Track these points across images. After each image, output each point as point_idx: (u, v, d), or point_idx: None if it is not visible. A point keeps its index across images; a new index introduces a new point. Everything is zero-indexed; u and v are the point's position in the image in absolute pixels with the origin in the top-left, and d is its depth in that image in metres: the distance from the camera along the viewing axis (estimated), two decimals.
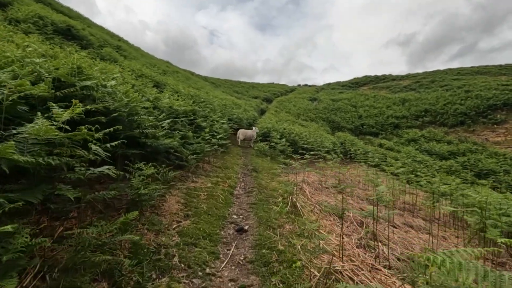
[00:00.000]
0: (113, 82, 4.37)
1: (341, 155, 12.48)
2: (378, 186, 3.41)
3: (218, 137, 7.05)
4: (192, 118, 7.74)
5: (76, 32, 14.41)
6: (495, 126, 22.95)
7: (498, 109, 24.15)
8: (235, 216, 3.95)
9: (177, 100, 8.90)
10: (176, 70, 25.80)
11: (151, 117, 4.52)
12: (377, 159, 8.11)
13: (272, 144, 10.24)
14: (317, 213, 5.01)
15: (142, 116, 3.54)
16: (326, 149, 14.24)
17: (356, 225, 4.63)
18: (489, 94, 25.60)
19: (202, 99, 11.82)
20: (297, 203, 4.85)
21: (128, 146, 3.68)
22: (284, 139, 10.52)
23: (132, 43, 30.28)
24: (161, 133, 4.18)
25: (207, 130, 6.52)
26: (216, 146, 6.99)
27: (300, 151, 11.87)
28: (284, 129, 12.33)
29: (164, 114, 5.69)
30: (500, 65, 36.81)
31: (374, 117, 27.96)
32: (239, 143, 11.19)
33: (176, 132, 5.74)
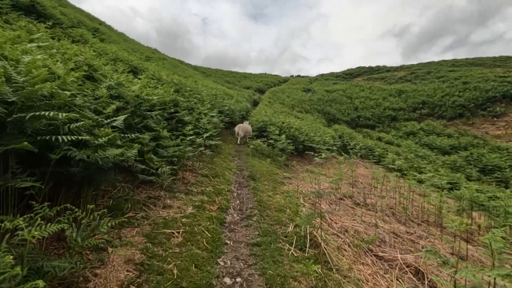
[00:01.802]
0: (26, 59, 2.59)
1: (353, 155, 10.87)
2: (496, 248, 1.79)
3: (205, 135, 5.30)
4: (172, 111, 5.98)
5: (42, 9, 12.19)
6: (495, 119, 21.88)
7: (497, 101, 23.07)
8: (227, 281, 2.29)
9: (156, 88, 7.10)
10: (163, 57, 23.57)
11: (91, 113, 2.78)
12: (399, 162, 6.56)
13: (271, 141, 8.56)
14: (345, 250, 3.43)
15: (49, 112, 1.78)
16: (327, 145, 12.69)
17: (410, 275, 3.06)
18: (488, 86, 24.48)
19: (188, 88, 9.99)
20: (319, 239, 3.24)
21: (31, 167, 1.95)
22: (283, 135, 8.85)
23: (116, 29, 27.69)
24: (103, 139, 2.44)
25: (188, 128, 4.75)
26: (202, 148, 5.26)
27: (301, 148, 10.27)
28: (283, 123, 10.63)
29: (116, 106, 3.93)
30: (495, 57, 35.83)
31: (370, 109, 26.57)
32: (238, 141, 9.52)
33: (143, 133, 4.00)
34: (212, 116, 8.31)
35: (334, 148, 14.63)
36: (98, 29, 17.19)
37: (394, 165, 6.58)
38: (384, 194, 7.15)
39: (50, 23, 12.51)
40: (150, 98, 4.49)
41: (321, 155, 6.33)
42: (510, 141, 19.88)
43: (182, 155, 4.29)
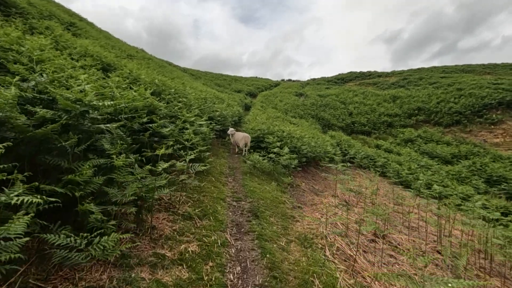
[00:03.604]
0: None
1: (376, 175, 9.34)
2: None
3: (188, 157, 3.62)
4: (145, 120, 4.30)
5: None
6: (492, 126, 21.07)
7: (493, 109, 22.32)
8: None
9: (126, 89, 5.43)
10: (149, 57, 21.66)
11: None
12: (437, 186, 5.04)
13: (271, 155, 6.97)
14: None
15: None
16: (330, 155, 11.26)
17: None
18: (483, 92, 23.78)
19: (173, 90, 8.30)
20: None
21: None
22: (286, 148, 7.28)
23: (99, 26, 25.60)
24: None
25: (162, 150, 3.04)
26: (185, 177, 3.59)
27: (304, 161, 8.74)
28: (283, 132, 9.06)
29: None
30: (483, 64, 35.63)
31: (365, 115, 25.44)
32: (243, 153, 8.09)
33: (89, 161, 2.35)
34: (201, 125, 6.66)
35: (337, 158, 13.23)
36: (74, 24, 15.22)
37: (431, 190, 5.10)
38: (414, 224, 5.68)
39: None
40: (100, 104, 2.81)
41: (344, 178, 4.77)
42: (509, 149, 19.06)
43: (149, 195, 2.64)
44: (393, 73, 39.31)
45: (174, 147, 4.51)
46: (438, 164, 16.59)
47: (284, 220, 4.23)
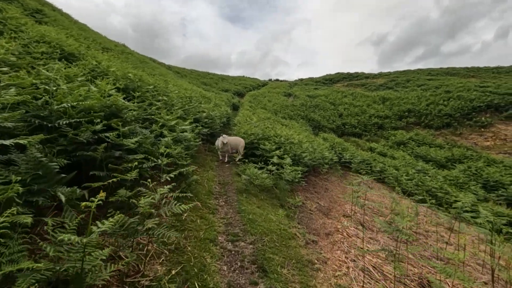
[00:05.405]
0: None
1: (375, 176, 8.17)
2: None
3: (161, 191, 2.21)
4: (99, 128, 2.88)
5: None
6: (482, 129, 20.72)
7: (482, 112, 22.04)
8: None
9: (90, 82, 3.97)
10: (129, 52, 19.76)
11: None
12: (485, 212, 3.95)
13: (271, 167, 5.66)
14: None
15: None
16: (327, 160, 10.11)
17: None
18: (471, 95, 23.52)
19: (151, 86, 6.83)
20: None
21: None
22: (288, 158, 6.00)
23: (75, 18, 23.34)
24: None
25: (101, 196, 1.62)
26: (153, 222, 2.21)
27: (305, 170, 7.50)
28: (280, 136, 7.76)
29: None
30: (467, 67, 35.89)
31: (355, 116, 24.64)
32: (224, 158, 6.66)
33: None
34: (184, 130, 5.26)
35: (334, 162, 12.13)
36: (42, 11, 13.29)
37: (475, 214, 3.94)
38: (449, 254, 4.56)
39: None
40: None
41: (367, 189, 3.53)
42: (500, 153, 18.70)
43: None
44: (380, 75, 38.99)
45: (144, 166, 3.12)
46: (434, 168, 15.89)
47: (301, 271, 2.93)
